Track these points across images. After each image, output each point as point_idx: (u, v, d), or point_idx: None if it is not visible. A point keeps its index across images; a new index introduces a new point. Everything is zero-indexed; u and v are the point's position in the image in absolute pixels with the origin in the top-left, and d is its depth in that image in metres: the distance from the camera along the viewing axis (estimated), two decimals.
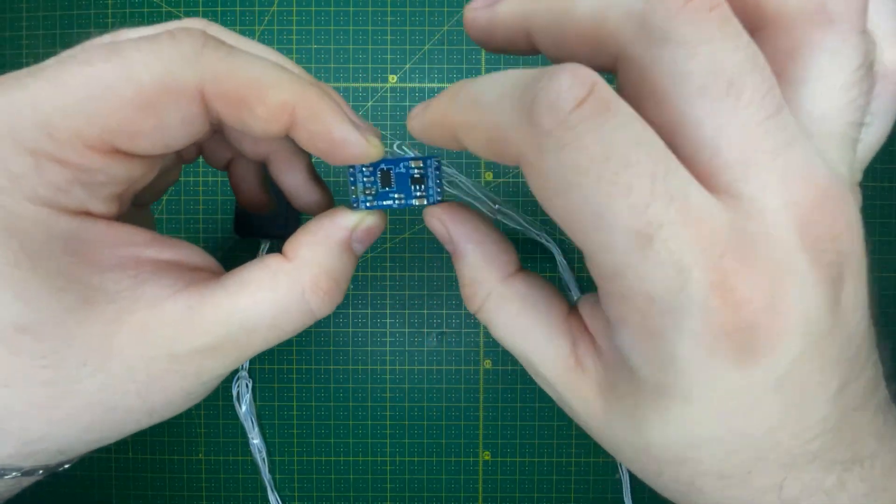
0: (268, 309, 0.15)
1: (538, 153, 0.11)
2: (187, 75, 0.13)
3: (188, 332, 0.15)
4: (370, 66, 0.30)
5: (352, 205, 0.18)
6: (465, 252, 0.17)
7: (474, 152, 0.14)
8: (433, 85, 0.30)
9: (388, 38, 0.30)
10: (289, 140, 0.17)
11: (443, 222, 0.17)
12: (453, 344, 0.30)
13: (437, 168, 0.18)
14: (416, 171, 0.18)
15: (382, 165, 0.17)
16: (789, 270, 0.12)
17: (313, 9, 0.30)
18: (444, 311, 0.30)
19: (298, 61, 0.30)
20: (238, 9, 0.30)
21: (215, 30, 0.16)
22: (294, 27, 0.30)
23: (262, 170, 0.21)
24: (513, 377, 0.30)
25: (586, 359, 0.16)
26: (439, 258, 0.30)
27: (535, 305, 0.16)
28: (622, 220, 0.11)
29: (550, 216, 0.13)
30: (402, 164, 0.17)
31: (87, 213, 0.14)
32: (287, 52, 0.30)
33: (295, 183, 0.19)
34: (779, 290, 0.12)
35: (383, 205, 0.18)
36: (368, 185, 0.18)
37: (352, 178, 0.18)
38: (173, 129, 0.14)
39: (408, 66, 0.30)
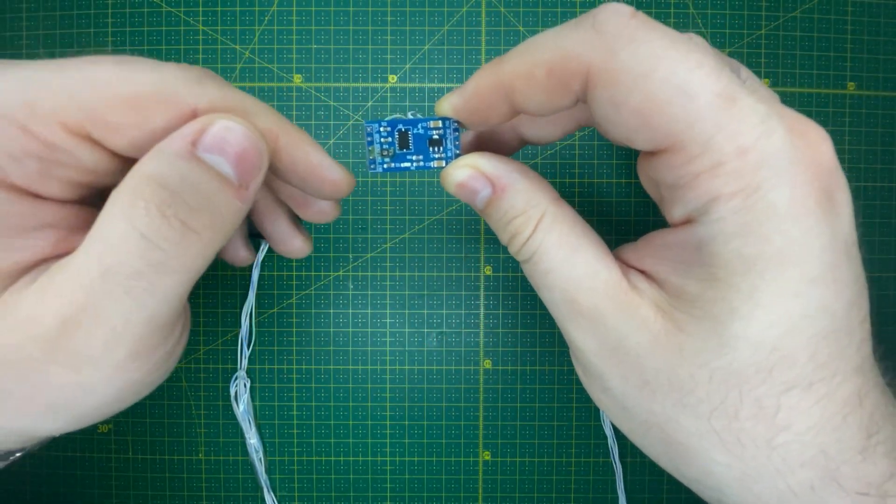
0: (94, 250, 0.13)
1: (609, 55, 0.13)
2: (184, 93, 0.15)
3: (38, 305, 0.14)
4: (370, 66, 0.30)
5: (368, 167, 0.17)
6: (513, 181, 0.17)
7: (527, 100, 0.15)
8: (433, 85, 0.30)
9: (388, 38, 0.30)
10: (270, 191, 0.19)
11: (476, 165, 0.17)
12: (453, 344, 0.30)
13: (456, 130, 0.17)
14: (434, 132, 0.17)
15: (400, 126, 0.17)
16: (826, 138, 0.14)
17: (313, 9, 0.30)
18: (444, 311, 0.30)
19: (298, 61, 0.30)
20: (238, 9, 0.30)
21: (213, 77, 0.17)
22: (294, 27, 0.30)
23: (245, 225, 0.22)
24: (513, 377, 0.30)
25: (640, 283, 0.16)
26: (439, 258, 0.30)
27: (585, 229, 0.17)
28: (705, 85, 0.13)
29: (618, 129, 0.14)
30: (420, 125, 0.17)
31: (28, 193, 0.15)
32: (287, 52, 0.30)
33: (279, 230, 0.21)
34: (830, 147, 0.14)
35: (401, 167, 0.17)
36: (386, 146, 0.17)
37: (369, 139, 0.17)
38: (155, 134, 0.15)
39: (408, 66, 0.30)
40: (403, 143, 0.17)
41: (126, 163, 0.15)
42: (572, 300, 0.16)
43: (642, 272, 0.17)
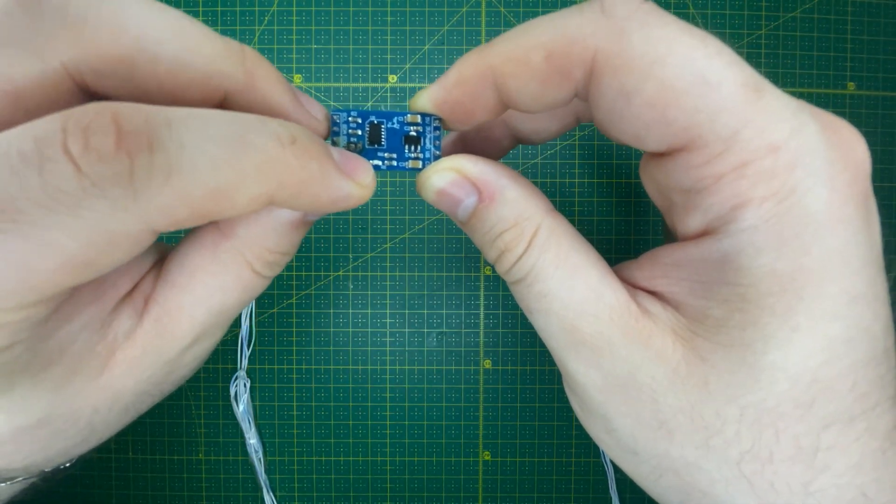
0: (229, 293, 0.15)
1: (620, 38, 0.12)
2: (126, 227, 0.11)
3: (169, 341, 0.14)
4: (370, 66, 0.30)
5: None
6: (503, 188, 0.14)
7: (519, 90, 0.13)
8: None
9: (388, 38, 0.30)
10: None
11: (460, 168, 0.14)
12: (453, 344, 0.30)
13: (437, 128, 0.15)
14: (411, 128, 0.15)
15: (372, 118, 0.15)
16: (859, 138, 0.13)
17: (313, 9, 0.30)
18: (444, 311, 0.30)
19: (298, 61, 0.30)
20: (238, 9, 0.30)
21: (130, 113, 0.10)
22: (294, 27, 0.30)
23: None
24: (513, 377, 0.30)
25: (652, 306, 0.14)
26: (439, 258, 0.30)
27: (584, 245, 0.15)
28: (728, 74, 0.11)
29: (628, 125, 0.13)
30: (395, 119, 0.15)
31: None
32: (287, 52, 0.30)
33: None
34: (865, 148, 0.13)
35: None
36: (354, 139, 0.15)
37: (335, 128, 0.15)
38: (116, 264, 0.12)
39: (408, 66, 0.30)
40: (375, 137, 0.15)
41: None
42: (572, 327, 0.14)
43: (653, 293, 0.14)
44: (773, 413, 0.12)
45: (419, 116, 0.15)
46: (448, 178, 0.14)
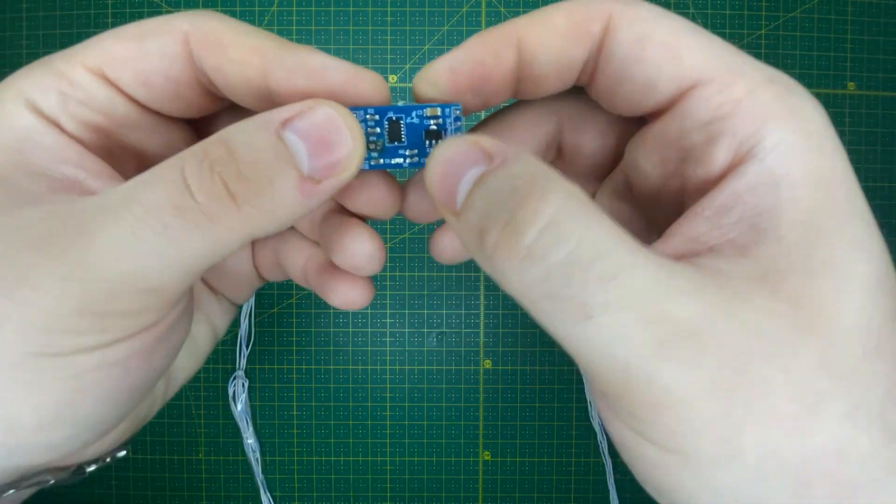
0: (134, 181, 0.12)
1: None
2: (174, 22, 0.15)
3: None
4: (370, 66, 0.30)
5: None
6: (519, 153, 0.12)
7: (540, 45, 0.14)
8: None
9: (388, 38, 0.30)
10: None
11: (477, 141, 0.12)
12: (453, 344, 0.30)
13: (458, 119, 0.14)
14: (432, 121, 0.14)
15: (391, 114, 0.14)
16: None
17: (313, 9, 0.30)
18: (444, 311, 0.30)
19: None
20: (238, 9, 0.30)
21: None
22: (294, 27, 0.30)
23: None
24: (513, 377, 0.30)
25: (721, 264, 0.11)
26: None
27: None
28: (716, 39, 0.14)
29: (643, 68, 0.14)
30: (414, 113, 0.14)
31: (53, 123, 0.14)
32: None
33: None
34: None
35: (391, 164, 0.14)
36: (373, 137, 0.14)
37: None
38: (151, 59, 0.15)
39: (408, 66, 0.30)
40: (395, 134, 0.14)
41: (148, 116, 0.16)
42: (662, 317, 0.10)
43: (703, 253, 0.12)
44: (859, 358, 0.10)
45: (438, 109, 0.14)
46: (462, 146, 0.13)
